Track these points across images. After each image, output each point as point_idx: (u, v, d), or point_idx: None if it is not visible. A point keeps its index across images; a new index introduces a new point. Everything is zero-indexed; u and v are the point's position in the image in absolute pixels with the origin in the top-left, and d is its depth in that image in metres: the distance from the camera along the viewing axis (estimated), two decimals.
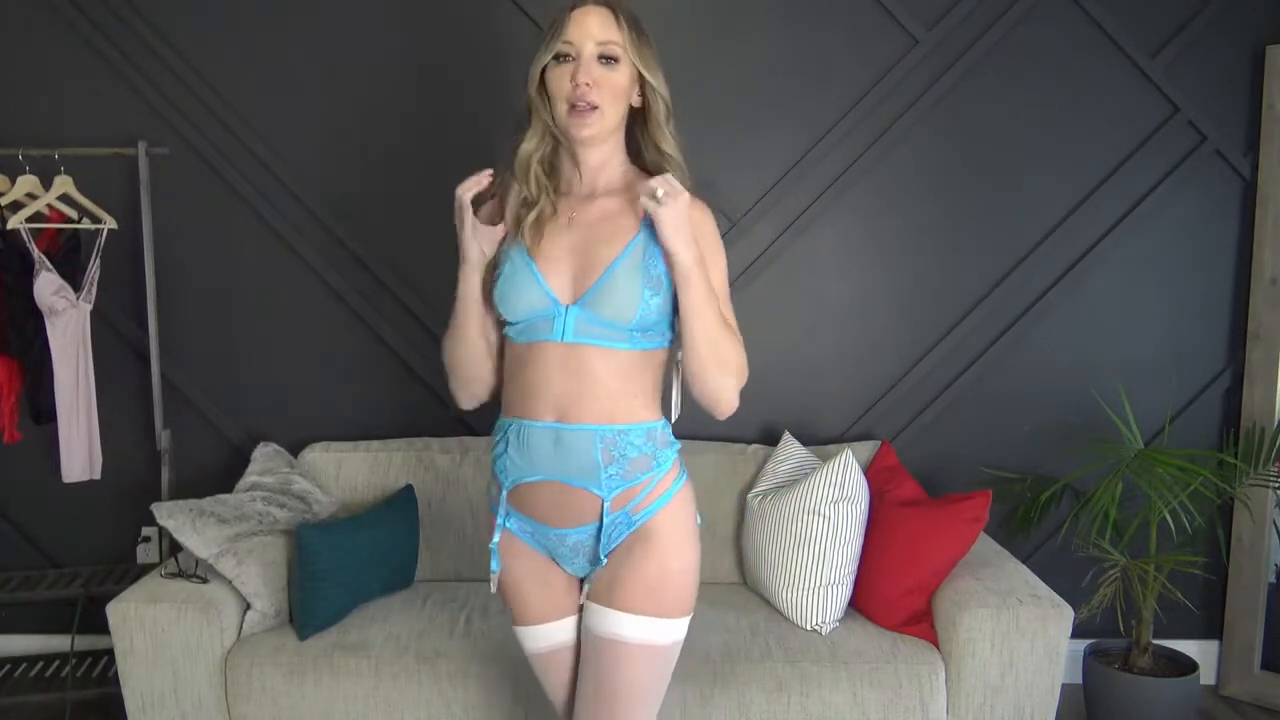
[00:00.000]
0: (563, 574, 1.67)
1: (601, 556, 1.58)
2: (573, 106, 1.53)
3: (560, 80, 1.54)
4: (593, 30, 1.53)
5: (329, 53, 2.91)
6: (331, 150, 2.94)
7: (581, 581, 1.68)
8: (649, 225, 1.54)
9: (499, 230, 1.62)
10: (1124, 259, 2.99)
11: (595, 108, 1.53)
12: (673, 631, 1.59)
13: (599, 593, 1.59)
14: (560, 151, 1.62)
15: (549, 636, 1.67)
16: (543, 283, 1.55)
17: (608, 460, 1.54)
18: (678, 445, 1.65)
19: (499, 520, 1.63)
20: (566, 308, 1.54)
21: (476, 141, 2.89)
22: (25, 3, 2.88)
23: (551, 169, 1.62)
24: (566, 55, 1.53)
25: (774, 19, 2.91)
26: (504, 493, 1.62)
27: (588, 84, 1.51)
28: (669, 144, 1.60)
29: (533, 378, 1.56)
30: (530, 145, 1.59)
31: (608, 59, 1.53)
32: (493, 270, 1.63)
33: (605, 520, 1.55)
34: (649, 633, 1.55)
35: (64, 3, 2.87)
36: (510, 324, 1.60)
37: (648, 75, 1.56)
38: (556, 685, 1.71)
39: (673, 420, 1.67)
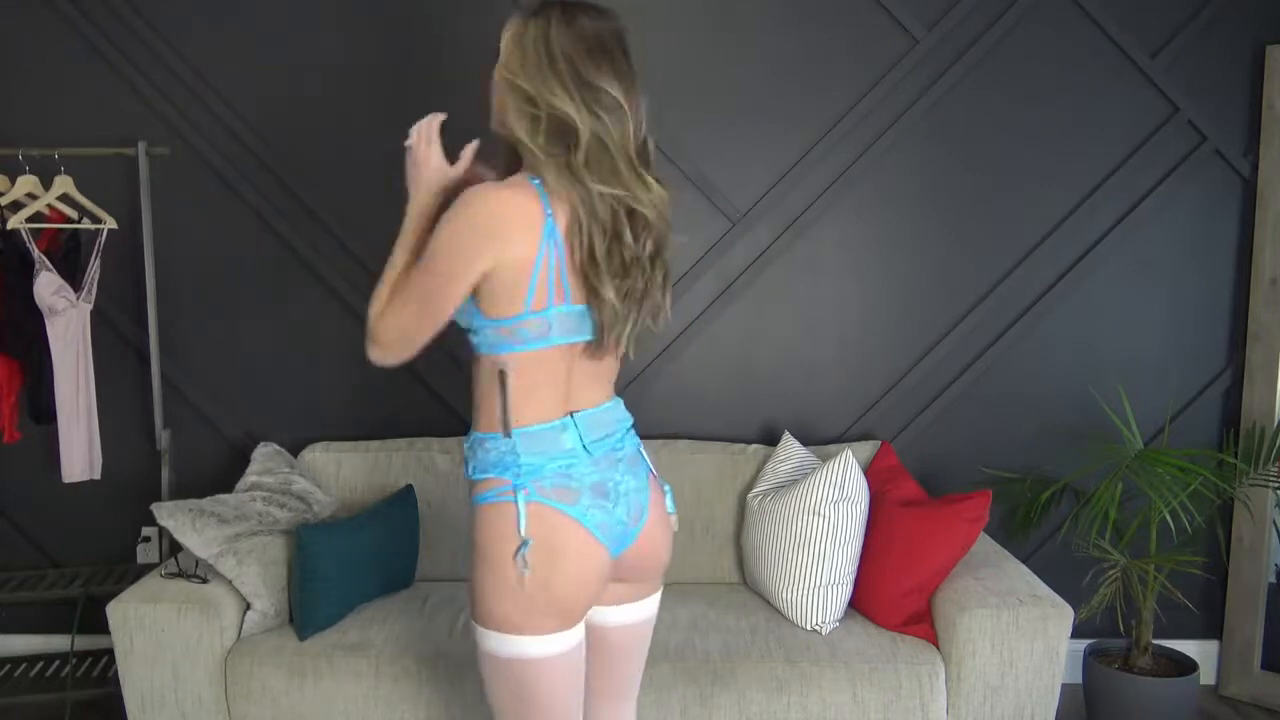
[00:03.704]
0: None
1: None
2: None
3: None
4: None
5: (331, 53, 2.91)
6: (332, 150, 2.94)
7: None
8: None
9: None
10: (1124, 259, 2.99)
11: None
12: None
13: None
14: None
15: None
16: None
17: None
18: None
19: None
20: None
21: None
22: (25, 3, 2.88)
23: None
24: None
25: (774, 19, 2.91)
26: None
27: None
28: None
29: None
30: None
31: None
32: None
33: None
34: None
35: (64, 2, 2.88)
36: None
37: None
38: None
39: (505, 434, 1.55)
